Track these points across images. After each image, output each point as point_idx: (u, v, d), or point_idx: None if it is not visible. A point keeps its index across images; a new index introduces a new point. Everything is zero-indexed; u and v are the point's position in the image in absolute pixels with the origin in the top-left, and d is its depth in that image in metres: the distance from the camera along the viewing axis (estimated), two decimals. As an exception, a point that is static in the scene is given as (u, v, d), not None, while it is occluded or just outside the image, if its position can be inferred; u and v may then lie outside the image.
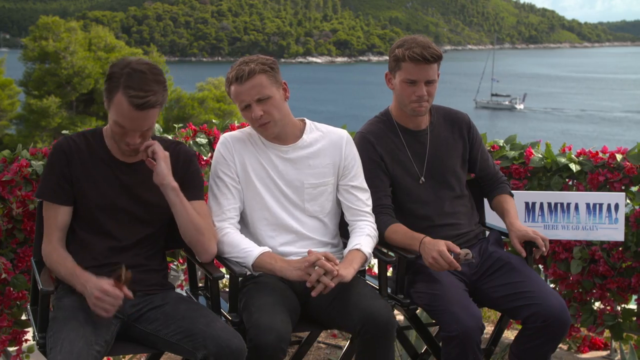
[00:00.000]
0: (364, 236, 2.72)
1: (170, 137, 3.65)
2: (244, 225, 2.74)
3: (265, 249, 2.61)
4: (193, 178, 2.61)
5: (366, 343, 2.45)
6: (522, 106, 63.46)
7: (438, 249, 2.63)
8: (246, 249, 2.59)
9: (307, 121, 2.83)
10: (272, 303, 2.47)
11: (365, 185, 2.82)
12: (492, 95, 67.00)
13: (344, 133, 2.84)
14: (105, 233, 2.49)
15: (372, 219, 2.79)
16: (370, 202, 2.81)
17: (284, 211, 2.71)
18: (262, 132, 2.69)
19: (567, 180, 3.68)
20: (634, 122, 56.43)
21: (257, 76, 2.61)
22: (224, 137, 2.76)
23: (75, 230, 2.50)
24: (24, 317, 3.33)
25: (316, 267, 2.47)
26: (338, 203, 2.83)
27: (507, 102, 64.87)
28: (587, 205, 3.51)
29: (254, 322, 2.38)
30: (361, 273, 2.88)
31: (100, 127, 2.57)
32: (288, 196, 2.72)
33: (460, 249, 2.66)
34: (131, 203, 2.51)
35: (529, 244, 2.86)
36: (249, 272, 2.63)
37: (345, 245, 2.87)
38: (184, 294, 2.84)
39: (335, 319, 2.58)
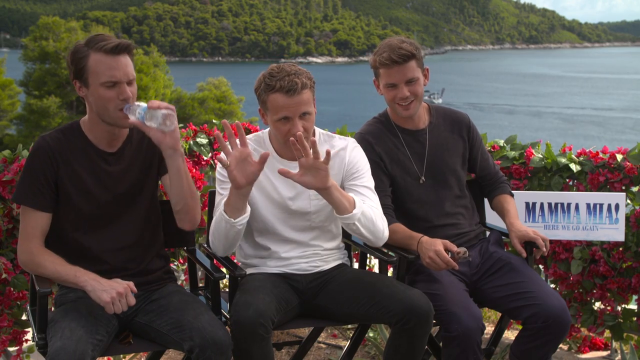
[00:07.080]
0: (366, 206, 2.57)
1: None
2: (249, 235, 2.71)
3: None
4: None
5: (406, 332, 2.47)
6: (440, 100, 67.69)
7: (435, 249, 2.63)
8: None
9: (317, 131, 2.74)
10: (257, 287, 2.48)
11: (372, 186, 2.70)
12: None
13: (349, 141, 2.76)
14: (100, 233, 2.47)
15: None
16: (379, 204, 2.66)
17: (288, 223, 2.67)
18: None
19: (567, 180, 3.68)
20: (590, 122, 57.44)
21: (307, 91, 2.52)
22: None
23: (68, 234, 2.46)
24: (24, 317, 3.33)
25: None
26: None
27: (426, 97, 68.25)
28: (588, 205, 3.51)
29: (235, 302, 2.40)
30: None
31: (76, 121, 2.50)
32: (293, 207, 2.66)
33: (458, 247, 2.66)
34: (119, 195, 2.47)
35: (530, 244, 2.87)
36: (248, 273, 2.63)
37: (346, 246, 2.88)
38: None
39: (358, 311, 2.55)
